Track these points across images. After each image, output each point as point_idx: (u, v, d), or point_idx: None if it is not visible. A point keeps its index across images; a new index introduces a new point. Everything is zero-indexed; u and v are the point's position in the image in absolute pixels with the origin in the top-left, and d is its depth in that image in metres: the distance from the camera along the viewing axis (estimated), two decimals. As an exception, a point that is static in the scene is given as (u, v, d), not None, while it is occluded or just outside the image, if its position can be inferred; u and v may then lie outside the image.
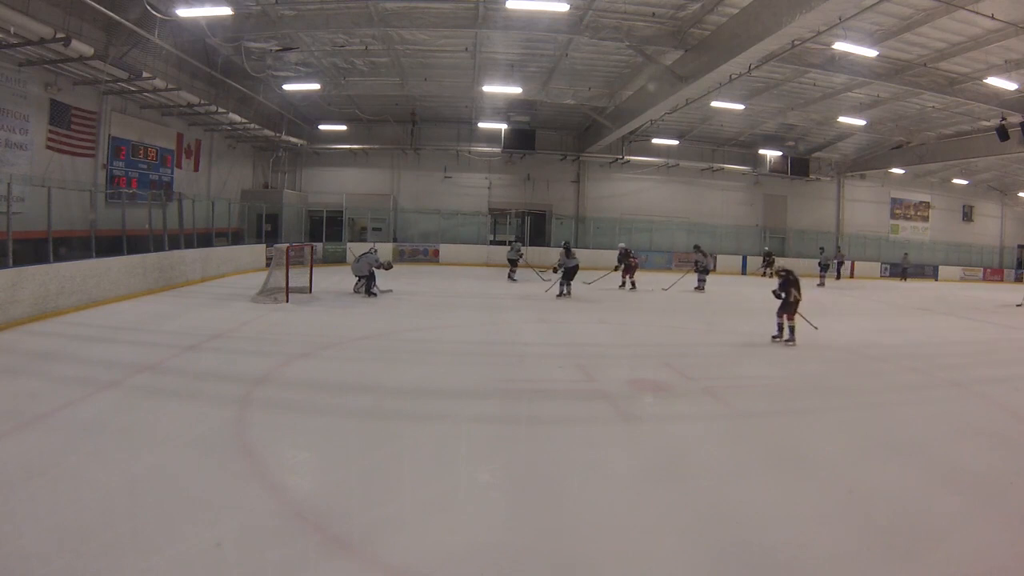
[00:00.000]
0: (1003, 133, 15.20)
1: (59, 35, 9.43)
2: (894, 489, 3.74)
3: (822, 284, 19.05)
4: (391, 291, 11.97)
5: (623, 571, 2.79)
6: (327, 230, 20.08)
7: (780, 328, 8.48)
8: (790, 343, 8.30)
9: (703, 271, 15.84)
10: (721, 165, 22.98)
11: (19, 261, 8.00)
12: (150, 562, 2.63)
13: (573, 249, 13.31)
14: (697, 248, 16.42)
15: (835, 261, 22.01)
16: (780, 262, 19.39)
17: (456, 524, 3.13)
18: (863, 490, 3.69)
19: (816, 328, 8.88)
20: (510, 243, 18.04)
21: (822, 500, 3.57)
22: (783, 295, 8.35)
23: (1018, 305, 14.60)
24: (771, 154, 22.13)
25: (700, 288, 15.52)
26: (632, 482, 3.77)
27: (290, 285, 10.64)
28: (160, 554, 2.69)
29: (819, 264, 20.05)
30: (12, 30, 9.04)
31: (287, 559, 2.73)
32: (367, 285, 11.70)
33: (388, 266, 12.14)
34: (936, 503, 3.58)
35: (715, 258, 22.53)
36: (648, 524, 3.21)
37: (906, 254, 24.37)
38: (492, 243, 22.04)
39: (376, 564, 2.75)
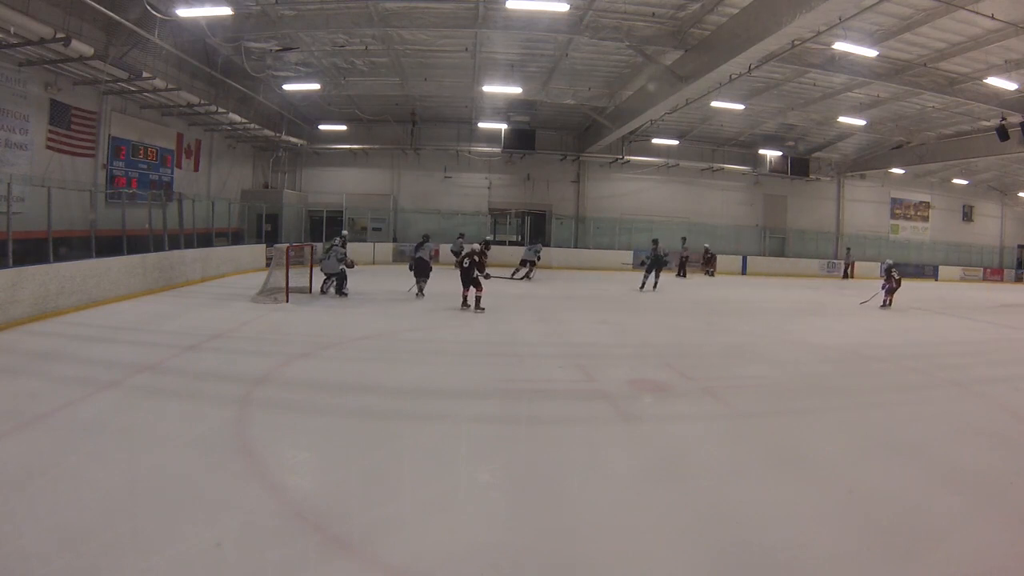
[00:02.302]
0: (1003, 133, 15.19)
1: (59, 35, 9.42)
2: (894, 489, 3.74)
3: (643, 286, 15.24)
4: (346, 294, 11.45)
5: (623, 571, 2.79)
6: (327, 230, 20.05)
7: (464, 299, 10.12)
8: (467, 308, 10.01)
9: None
10: (721, 165, 22.97)
11: (19, 261, 7.99)
12: (150, 562, 2.63)
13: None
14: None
15: (682, 256, 20.22)
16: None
17: (456, 524, 3.13)
18: (863, 490, 3.69)
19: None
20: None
21: (822, 500, 3.57)
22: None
23: (862, 303, 13.98)
24: (771, 154, 22.12)
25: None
26: (632, 482, 3.77)
27: (290, 285, 10.63)
28: (160, 554, 2.69)
29: (644, 261, 16.58)
30: (12, 30, 9.03)
31: (287, 559, 2.73)
32: (338, 284, 11.32)
33: (350, 264, 11.42)
34: (936, 503, 3.58)
35: (715, 258, 22.56)
36: (648, 524, 3.21)
37: (848, 249, 23.87)
38: (491, 243, 22.01)
39: (376, 564, 2.75)
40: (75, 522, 2.92)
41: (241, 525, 3.00)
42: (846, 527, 3.22)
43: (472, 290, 10.07)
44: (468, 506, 3.38)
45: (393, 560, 2.77)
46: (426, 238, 12.38)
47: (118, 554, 2.69)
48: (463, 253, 10.44)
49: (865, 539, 3.10)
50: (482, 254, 10.12)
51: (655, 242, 15.43)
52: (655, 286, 14.55)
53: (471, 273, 9.93)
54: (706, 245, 21.77)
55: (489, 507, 3.39)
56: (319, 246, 17.56)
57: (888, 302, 13.72)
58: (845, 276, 23.18)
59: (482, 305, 10.08)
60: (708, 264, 21.29)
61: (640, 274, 15.45)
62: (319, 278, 11.60)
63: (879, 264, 24.52)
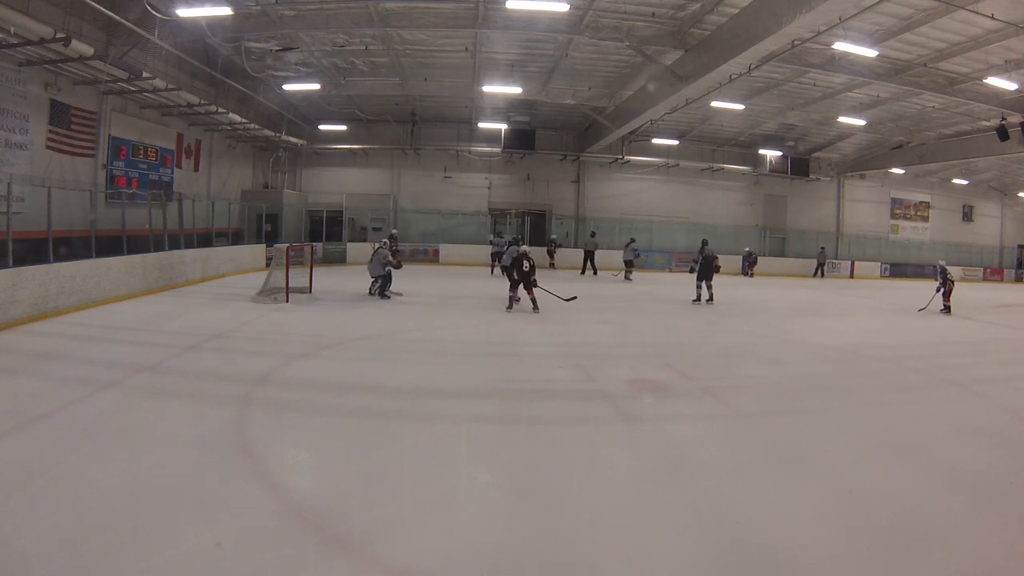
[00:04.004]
0: (1003, 133, 15.20)
1: (59, 35, 9.43)
2: (894, 489, 3.74)
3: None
4: (400, 294, 11.68)
5: (623, 571, 2.79)
6: (327, 230, 20.09)
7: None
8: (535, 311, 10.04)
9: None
10: (721, 165, 22.99)
11: (19, 261, 7.99)
12: (150, 562, 2.63)
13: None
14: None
15: (590, 250, 19.48)
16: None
17: (456, 524, 3.13)
18: (863, 490, 3.69)
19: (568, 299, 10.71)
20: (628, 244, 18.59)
21: (822, 500, 3.57)
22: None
23: (920, 309, 13.01)
24: (771, 154, 22.13)
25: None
26: (632, 482, 3.77)
27: (290, 285, 10.63)
28: (160, 554, 2.69)
29: (692, 267, 13.85)
30: (12, 30, 9.04)
31: (287, 559, 2.73)
32: (382, 286, 11.38)
33: (397, 265, 11.55)
34: (936, 503, 3.58)
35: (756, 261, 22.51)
36: (648, 524, 3.21)
37: (822, 249, 23.92)
38: (492, 243, 22.07)
39: (376, 564, 2.75)
40: (75, 522, 2.91)
41: (241, 525, 3.00)
42: (846, 527, 3.22)
43: (523, 291, 10.20)
44: (468, 506, 3.38)
45: (393, 560, 2.77)
46: (514, 241, 11.96)
47: (118, 554, 2.69)
48: (515, 255, 10.64)
49: (865, 539, 3.10)
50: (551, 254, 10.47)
51: (704, 243, 13.05)
52: (710, 298, 12.37)
53: (531, 275, 10.08)
54: (747, 248, 22.04)
55: (489, 507, 3.39)
56: (319, 246, 17.63)
57: (947, 307, 12.66)
58: (816, 275, 23.11)
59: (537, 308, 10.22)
60: (751, 267, 21.47)
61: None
62: (319, 278, 11.59)
63: (879, 264, 24.69)
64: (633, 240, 19.03)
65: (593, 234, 20.66)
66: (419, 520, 3.17)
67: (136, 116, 14.01)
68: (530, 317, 9.91)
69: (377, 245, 12.02)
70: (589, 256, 19.34)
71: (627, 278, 17.90)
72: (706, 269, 12.36)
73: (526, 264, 10.11)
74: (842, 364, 7.54)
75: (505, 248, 11.71)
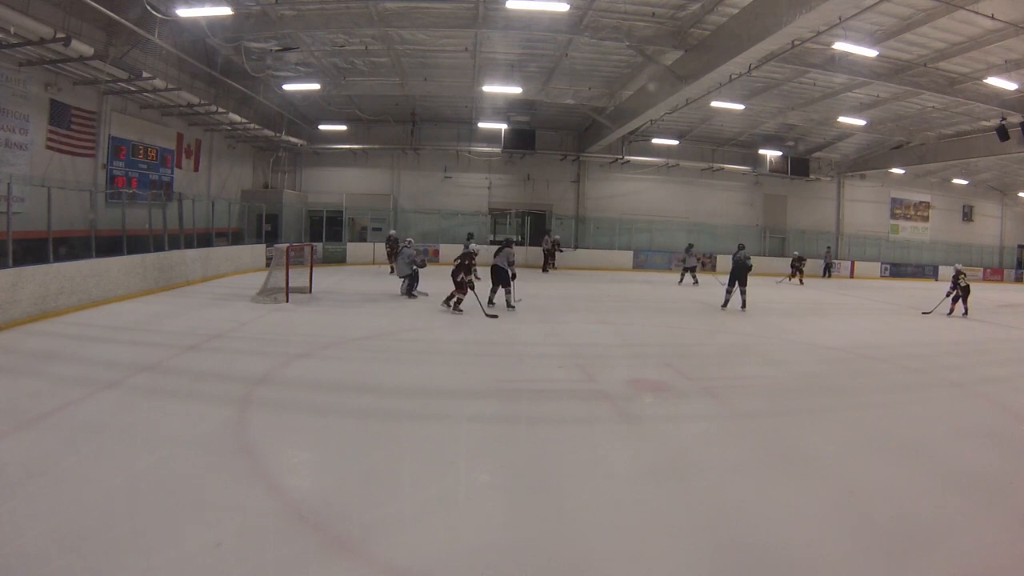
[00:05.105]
0: (1003, 133, 15.20)
1: (59, 35, 9.44)
2: (894, 489, 3.75)
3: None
4: (426, 294, 11.60)
5: (623, 571, 2.79)
6: (327, 230, 20.10)
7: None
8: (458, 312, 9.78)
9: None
10: (721, 165, 22.98)
11: (19, 261, 7.99)
12: (151, 562, 2.63)
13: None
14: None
15: (549, 248, 20.37)
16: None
17: (456, 524, 3.13)
18: (863, 490, 3.70)
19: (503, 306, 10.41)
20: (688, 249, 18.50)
21: (822, 500, 3.57)
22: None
23: (924, 313, 12.85)
24: (771, 154, 22.12)
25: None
26: (632, 482, 3.77)
27: (290, 285, 10.64)
28: (160, 554, 2.69)
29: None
30: (12, 30, 9.05)
31: (287, 559, 2.73)
32: (409, 286, 11.39)
33: (422, 264, 11.55)
34: (936, 503, 3.58)
35: (715, 258, 22.50)
36: (648, 524, 3.21)
37: (828, 248, 23.68)
38: (492, 243, 22.07)
39: (376, 564, 2.75)
40: (76, 522, 2.92)
41: (241, 525, 3.00)
42: (846, 527, 3.22)
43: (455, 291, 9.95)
44: (468, 506, 3.38)
45: (393, 560, 2.77)
46: (507, 242, 11.27)
47: (119, 554, 2.69)
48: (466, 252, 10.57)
49: (865, 539, 3.10)
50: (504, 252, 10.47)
51: (740, 247, 12.25)
52: (743, 304, 11.72)
53: (457, 275, 9.88)
54: (796, 252, 21.09)
55: (489, 507, 3.39)
56: (319, 246, 17.64)
57: (960, 310, 12.33)
58: (825, 275, 22.74)
59: (461, 308, 9.89)
60: (799, 272, 19.97)
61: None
62: (319, 279, 11.60)
63: (879, 264, 24.69)
64: (691, 245, 18.76)
65: (549, 231, 21.40)
66: (419, 520, 3.17)
67: (136, 116, 14.02)
68: (530, 317, 9.91)
69: (401, 245, 12.20)
70: (549, 254, 20.09)
71: (693, 282, 17.52)
72: (739, 273, 11.76)
73: (456, 261, 10.03)
74: (842, 364, 7.54)
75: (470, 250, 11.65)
